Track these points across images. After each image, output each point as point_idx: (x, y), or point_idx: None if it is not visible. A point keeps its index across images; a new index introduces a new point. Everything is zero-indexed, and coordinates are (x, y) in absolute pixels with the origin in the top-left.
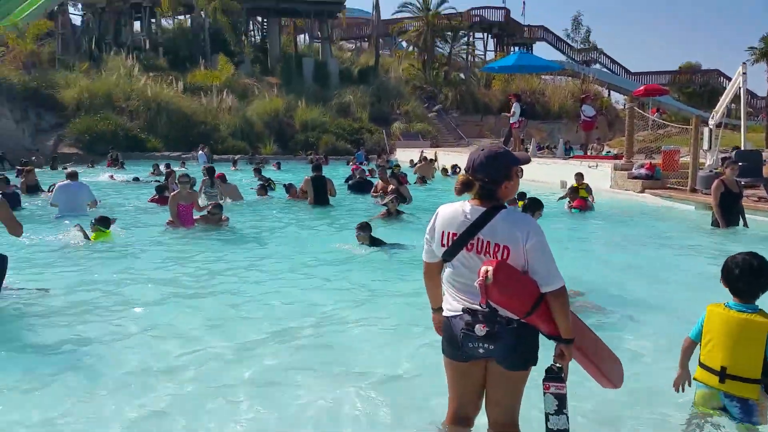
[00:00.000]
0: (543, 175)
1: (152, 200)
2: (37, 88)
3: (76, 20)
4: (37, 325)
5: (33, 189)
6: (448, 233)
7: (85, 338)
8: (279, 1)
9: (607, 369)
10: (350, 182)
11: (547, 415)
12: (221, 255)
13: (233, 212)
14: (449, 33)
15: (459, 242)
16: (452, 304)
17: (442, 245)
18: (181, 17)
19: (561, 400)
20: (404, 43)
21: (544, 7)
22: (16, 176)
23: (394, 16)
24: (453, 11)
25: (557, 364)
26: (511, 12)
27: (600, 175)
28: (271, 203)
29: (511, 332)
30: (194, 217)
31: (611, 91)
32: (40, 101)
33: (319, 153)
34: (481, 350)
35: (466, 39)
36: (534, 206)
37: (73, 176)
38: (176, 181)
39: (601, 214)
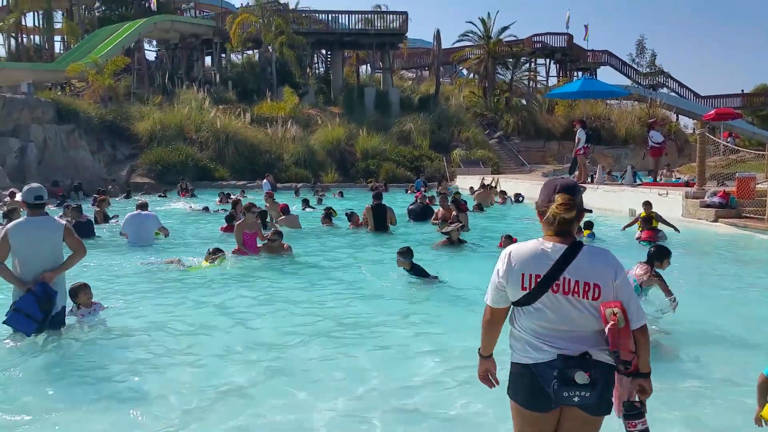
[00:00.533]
0: (610, 203)
1: (223, 229)
2: (113, 121)
3: (151, 56)
4: (111, 347)
5: (107, 218)
6: (530, 275)
7: (153, 363)
8: (343, 35)
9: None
10: (411, 208)
11: None
12: (283, 282)
13: (297, 241)
14: (510, 60)
15: (544, 284)
16: (534, 352)
17: (523, 288)
18: (250, 52)
19: None
20: (465, 71)
21: (608, 32)
22: (92, 205)
23: (455, 45)
24: (514, 38)
25: (638, 400)
26: (574, 37)
27: (670, 204)
28: (335, 232)
29: (605, 377)
30: (258, 245)
31: (680, 116)
32: (115, 133)
33: (379, 180)
34: (576, 398)
35: (528, 65)
36: (662, 255)
37: (143, 207)
38: (241, 210)
39: (673, 245)
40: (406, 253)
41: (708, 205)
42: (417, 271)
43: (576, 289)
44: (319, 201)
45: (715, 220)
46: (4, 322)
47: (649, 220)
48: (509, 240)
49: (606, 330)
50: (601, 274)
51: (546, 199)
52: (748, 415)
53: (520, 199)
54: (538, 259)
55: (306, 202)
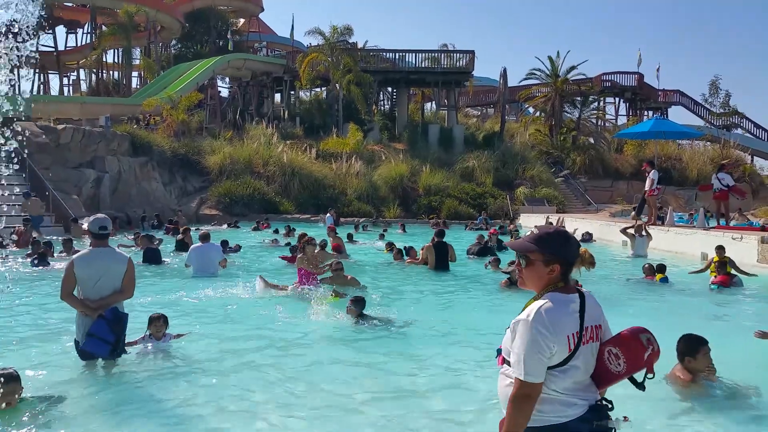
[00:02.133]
0: (682, 246)
1: (284, 258)
2: (185, 154)
3: (223, 92)
4: (168, 378)
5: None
6: (573, 334)
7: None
8: (409, 73)
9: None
10: (473, 248)
11: None
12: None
13: (358, 272)
14: (578, 98)
15: (580, 338)
16: (568, 409)
17: (569, 350)
18: (318, 89)
19: None
20: (531, 109)
21: (680, 72)
22: (165, 233)
23: (522, 83)
24: (583, 77)
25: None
26: (645, 76)
27: (745, 248)
28: (394, 266)
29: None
30: (318, 278)
31: (755, 157)
32: (186, 166)
33: (440, 217)
34: None
35: (596, 104)
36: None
37: (205, 238)
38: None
39: (748, 293)
40: (357, 302)
41: None
42: (365, 318)
43: (592, 335)
44: (364, 228)
45: None
46: (81, 349)
47: (724, 264)
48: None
49: (644, 357)
50: (600, 314)
51: (567, 252)
52: None
53: (587, 237)
54: (570, 315)
55: (350, 237)
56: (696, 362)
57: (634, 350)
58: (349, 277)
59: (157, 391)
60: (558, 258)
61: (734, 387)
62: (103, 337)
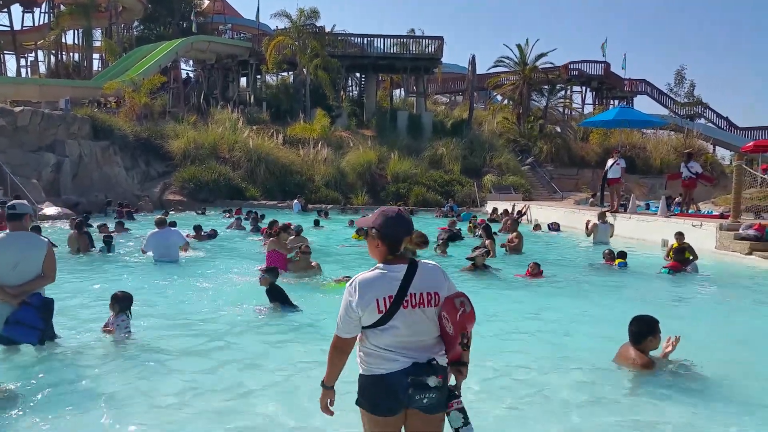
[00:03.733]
0: (643, 233)
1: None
2: (148, 138)
3: (187, 75)
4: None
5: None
6: (383, 298)
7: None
8: (377, 58)
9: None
10: (443, 234)
11: (456, 430)
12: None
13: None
14: (546, 86)
15: (396, 302)
16: (388, 363)
17: (380, 312)
18: (285, 74)
19: (464, 412)
20: (499, 97)
21: (646, 61)
22: (118, 217)
23: (490, 71)
24: (550, 65)
25: (454, 384)
26: (612, 65)
27: (704, 235)
28: (356, 252)
29: (444, 377)
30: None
31: (716, 147)
32: (149, 150)
33: (408, 204)
34: (425, 400)
35: (563, 92)
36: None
37: (162, 223)
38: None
39: (704, 277)
40: (270, 272)
41: (743, 238)
42: (274, 295)
43: (422, 301)
44: (326, 215)
45: (749, 253)
46: (4, 335)
47: (682, 251)
48: (537, 268)
49: (457, 317)
50: (438, 282)
51: (390, 232)
52: None
53: (554, 227)
54: (388, 282)
55: (316, 223)
56: (656, 341)
57: (453, 312)
58: (314, 263)
59: (118, 377)
60: (381, 236)
61: (689, 366)
62: (32, 324)
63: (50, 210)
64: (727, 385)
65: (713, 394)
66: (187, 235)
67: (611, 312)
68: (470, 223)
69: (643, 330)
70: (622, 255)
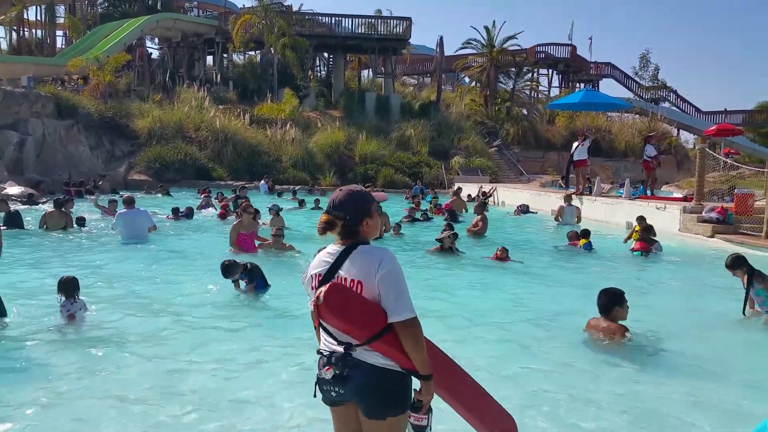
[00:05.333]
0: (608, 216)
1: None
2: (113, 117)
3: (153, 54)
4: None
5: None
6: (316, 275)
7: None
8: (346, 38)
9: (489, 423)
10: (405, 220)
11: None
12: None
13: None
14: (513, 69)
15: (323, 282)
16: (320, 346)
17: (312, 288)
18: (252, 53)
19: (419, 431)
20: (467, 79)
21: (611, 45)
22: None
23: (458, 53)
24: (518, 48)
25: (418, 399)
26: (578, 48)
27: (668, 218)
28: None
29: (361, 375)
30: (256, 244)
31: (680, 131)
32: (114, 129)
33: (377, 186)
34: (333, 393)
35: (530, 75)
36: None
37: (130, 203)
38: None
39: (668, 259)
40: (228, 269)
41: (705, 221)
42: (251, 276)
43: (348, 286)
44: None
45: (712, 236)
46: None
47: (648, 230)
48: (505, 252)
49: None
50: (366, 270)
51: (366, 210)
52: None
53: (524, 209)
54: (323, 260)
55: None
56: (623, 311)
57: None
58: (287, 244)
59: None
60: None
61: (654, 333)
62: None
63: (13, 189)
64: (689, 352)
65: (677, 359)
66: (167, 217)
67: (577, 290)
68: (430, 203)
69: (612, 300)
70: (586, 234)
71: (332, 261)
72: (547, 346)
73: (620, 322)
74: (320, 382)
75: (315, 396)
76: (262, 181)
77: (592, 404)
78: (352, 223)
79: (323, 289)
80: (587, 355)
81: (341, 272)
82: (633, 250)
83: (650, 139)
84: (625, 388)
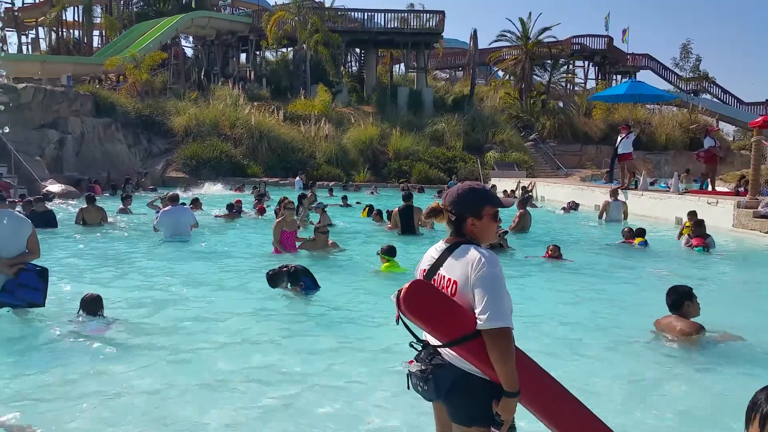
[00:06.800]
0: (657, 211)
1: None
2: (150, 115)
3: (187, 52)
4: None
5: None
6: (422, 270)
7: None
8: (378, 33)
9: None
10: None
11: None
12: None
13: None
14: (548, 61)
15: (426, 278)
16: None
17: None
18: (284, 50)
19: None
20: (500, 73)
21: (649, 36)
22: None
23: (492, 46)
24: (553, 39)
25: (497, 413)
26: (614, 40)
27: (721, 213)
28: (368, 230)
29: (445, 377)
30: (297, 245)
31: (721, 122)
32: (151, 127)
33: (411, 181)
34: (419, 389)
35: (566, 67)
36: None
37: (174, 200)
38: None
39: (726, 256)
40: (273, 279)
41: (762, 216)
42: (295, 278)
43: (443, 284)
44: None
45: None
46: (11, 304)
47: (701, 224)
48: (557, 250)
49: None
50: (462, 270)
51: (475, 209)
52: None
53: (572, 205)
54: (431, 255)
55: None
56: (693, 306)
57: None
58: (331, 242)
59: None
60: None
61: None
62: (35, 286)
63: (54, 187)
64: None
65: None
66: (216, 216)
67: (638, 289)
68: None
69: (681, 296)
70: (642, 233)
71: (437, 257)
72: (620, 352)
73: (692, 318)
74: (409, 374)
75: (408, 388)
76: (297, 177)
77: (694, 411)
78: (456, 217)
79: (405, 285)
80: (668, 358)
81: (442, 270)
82: (691, 246)
83: (710, 132)
84: (718, 387)
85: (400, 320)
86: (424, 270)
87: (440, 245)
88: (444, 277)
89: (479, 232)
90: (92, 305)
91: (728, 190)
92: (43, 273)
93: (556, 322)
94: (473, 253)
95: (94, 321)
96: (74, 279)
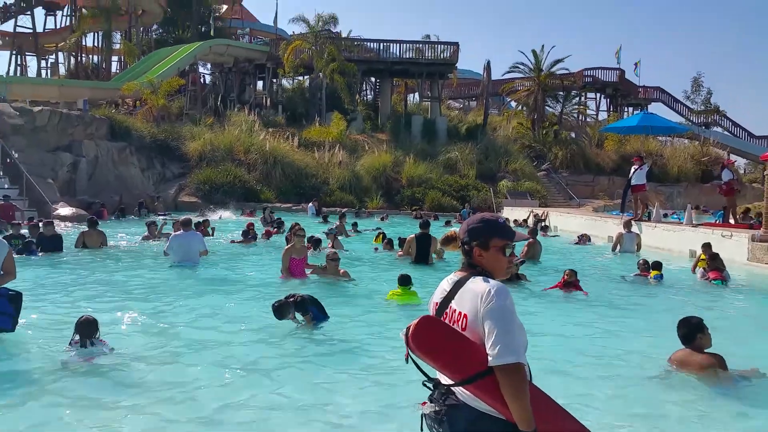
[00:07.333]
0: (671, 243)
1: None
2: (165, 140)
3: (205, 79)
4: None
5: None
6: (434, 303)
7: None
8: (393, 63)
9: None
10: None
11: None
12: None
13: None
14: (561, 93)
15: (438, 311)
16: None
17: (432, 314)
18: (301, 78)
19: None
20: (513, 103)
21: (661, 69)
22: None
23: (505, 77)
24: (565, 71)
25: None
26: (626, 72)
27: (734, 246)
28: (378, 258)
29: (461, 418)
30: (307, 271)
31: (732, 155)
32: (165, 152)
33: (423, 208)
34: (433, 431)
35: (578, 99)
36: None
37: (186, 225)
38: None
39: (740, 289)
40: (279, 311)
41: None
42: (303, 308)
43: (454, 318)
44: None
45: None
46: None
47: (716, 257)
48: (573, 275)
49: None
50: (471, 303)
51: (482, 239)
52: None
53: (585, 240)
54: (443, 288)
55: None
56: (705, 338)
57: None
58: (342, 270)
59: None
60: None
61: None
62: (4, 310)
63: (64, 210)
64: None
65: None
66: (232, 241)
67: (654, 323)
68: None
69: (693, 328)
70: (658, 266)
71: (448, 290)
72: (639, 388)
73: (706, 350)
74: (423, 416)
75: (422, 430)
76: (311, 204)
77: None
78: (464, 245)
79: (414, 321)
80: (687, 394)
81: (453, 303)
82: (709, 279)
83: (728, 164)
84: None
85: (409, 358)
86: (437, 303)
87: (452, 277)
88: (455, 311)
89: (488, 264)
90: (87, 328)
91: (742, 223)
92: (15, 298)
93: (570, 357)
94: (482, 285)
95: (88, 348)
96: (71, 303)
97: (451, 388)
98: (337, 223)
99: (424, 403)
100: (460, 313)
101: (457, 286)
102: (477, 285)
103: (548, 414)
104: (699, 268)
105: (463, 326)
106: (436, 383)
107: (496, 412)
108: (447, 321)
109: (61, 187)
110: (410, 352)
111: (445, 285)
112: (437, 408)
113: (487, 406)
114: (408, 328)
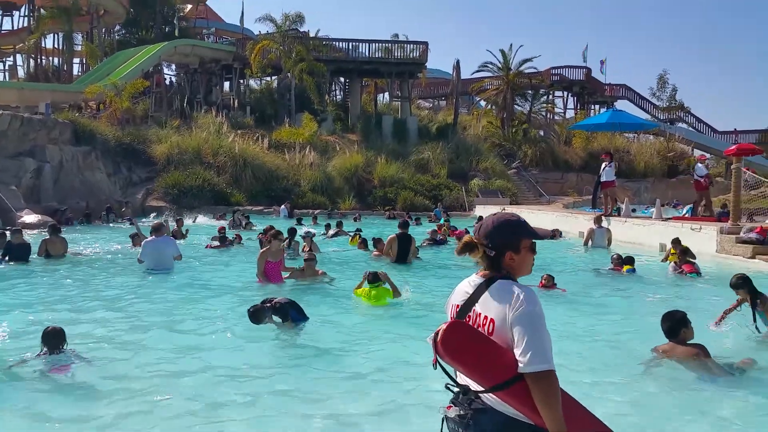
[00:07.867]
0: (641, 237)
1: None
2: (130, 143)
3: (170, 80)
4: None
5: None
6: (454, 306)
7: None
8: (362, 63)
9: None
10: (426, 243)
11: None
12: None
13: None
14: (529, 91)
15: (460, 314)
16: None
17: (451, 317)
18: (269, 78)
19: None
20: (482, 102)
21: (626, 66)
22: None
23: (474, 76)
24: (533, 70)
25: None
26: (593, 71)
27: (704, 239)
28: (354, 258)
29: (487, 422)
30: (284, 275)
31: (696, 150)
32: (132, 156)
33: (396, 208)
34: None
35: (546, 97)
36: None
37: (158, 230)
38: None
39: (712, 281)
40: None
41: (744, 241)
42: (283, 313)
43: (478, 322)
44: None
45: (753, 257)
46: None
47: (686, 251)
48: (551, 280)
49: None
50: (499, 308)
51: (513, 242)
52: None
53: (557, 234)
54: (462, 290)
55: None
56: (689, 331)
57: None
58: (320, 271)
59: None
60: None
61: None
62: None
63: (30, 218)
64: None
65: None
66: (208, 246)
67: (632, 316)
68: (443, 226)
69: (677, 322)
70: (630, 261)
71: (471, 293)
72: (632, 380)
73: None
74: (445, 419)
75: None
76: (283, 206)
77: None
78: (493, 252)
79: (443, 326)
80: (673, 382)
81: (477, 307)
82: (683, 272)
83: (700, 159)
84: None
85: (437, 364)
86: (457, 306)
87: (474, 279)
88: (480, 314)
89: (517, 266)
90: (54, 339)
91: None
92: None
93: (555, 351)
94: (511, 290)
95: (56, 357)
96: (41, 312)
97: (477, 391)
98: (337, 230)
99: (450, 406)
100: (486, 317)
101: (482, 289)
102: (505, 289)
103: (578, 421)
104: (670, 262)
105: (490, 330)
106: (465, 389)
107: (523, 416)
108: (474, 323)
109: (25, 193)
110: (438, 358)
111: (467, 287)
112: (462, 412)
113: (515, 410)
114: (436, 333)
